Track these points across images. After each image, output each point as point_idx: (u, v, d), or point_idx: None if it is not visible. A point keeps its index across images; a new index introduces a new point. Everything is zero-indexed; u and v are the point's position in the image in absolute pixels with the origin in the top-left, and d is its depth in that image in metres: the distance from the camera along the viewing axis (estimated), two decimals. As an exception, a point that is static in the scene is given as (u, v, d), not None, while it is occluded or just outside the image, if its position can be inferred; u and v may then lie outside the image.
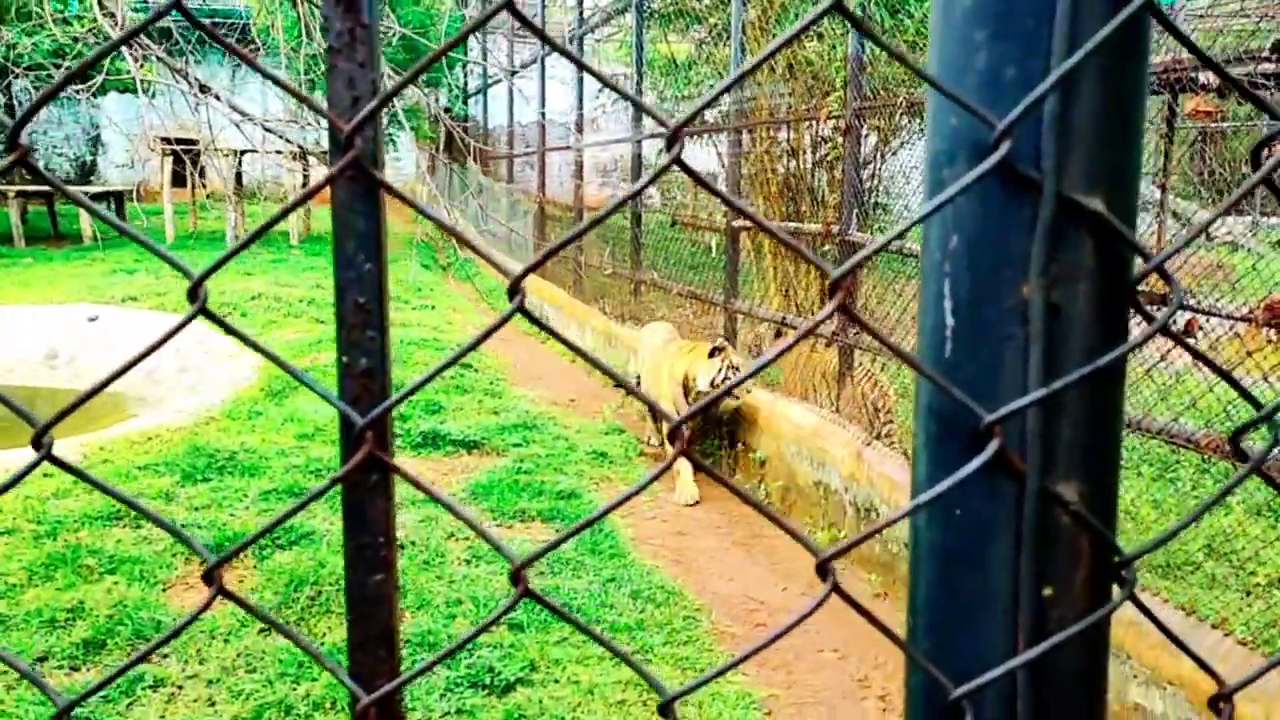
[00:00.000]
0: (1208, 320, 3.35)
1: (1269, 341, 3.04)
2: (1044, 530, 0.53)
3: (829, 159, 7.13)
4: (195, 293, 0.51)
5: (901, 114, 6.96)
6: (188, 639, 4.05)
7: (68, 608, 4.15)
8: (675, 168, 0.55)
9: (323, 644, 4.21)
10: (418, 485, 0.53)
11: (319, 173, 18.48)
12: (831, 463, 5.52)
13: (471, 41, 17.04)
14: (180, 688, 3.76)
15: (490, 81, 16.09)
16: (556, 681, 4.01)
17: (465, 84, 17.91)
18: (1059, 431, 0.53)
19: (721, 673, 0.59)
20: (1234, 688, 0.62)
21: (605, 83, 0.62)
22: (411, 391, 0.53)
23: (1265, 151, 0.79)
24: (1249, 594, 4.54)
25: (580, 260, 9.76)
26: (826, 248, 6.04)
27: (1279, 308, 3.04)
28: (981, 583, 0.55)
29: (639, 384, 6.93)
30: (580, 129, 9.80)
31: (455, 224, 17.14)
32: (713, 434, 6.87)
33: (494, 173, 15.94)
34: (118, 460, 5.87)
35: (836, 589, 0.56)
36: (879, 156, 8.98)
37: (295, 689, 3.72)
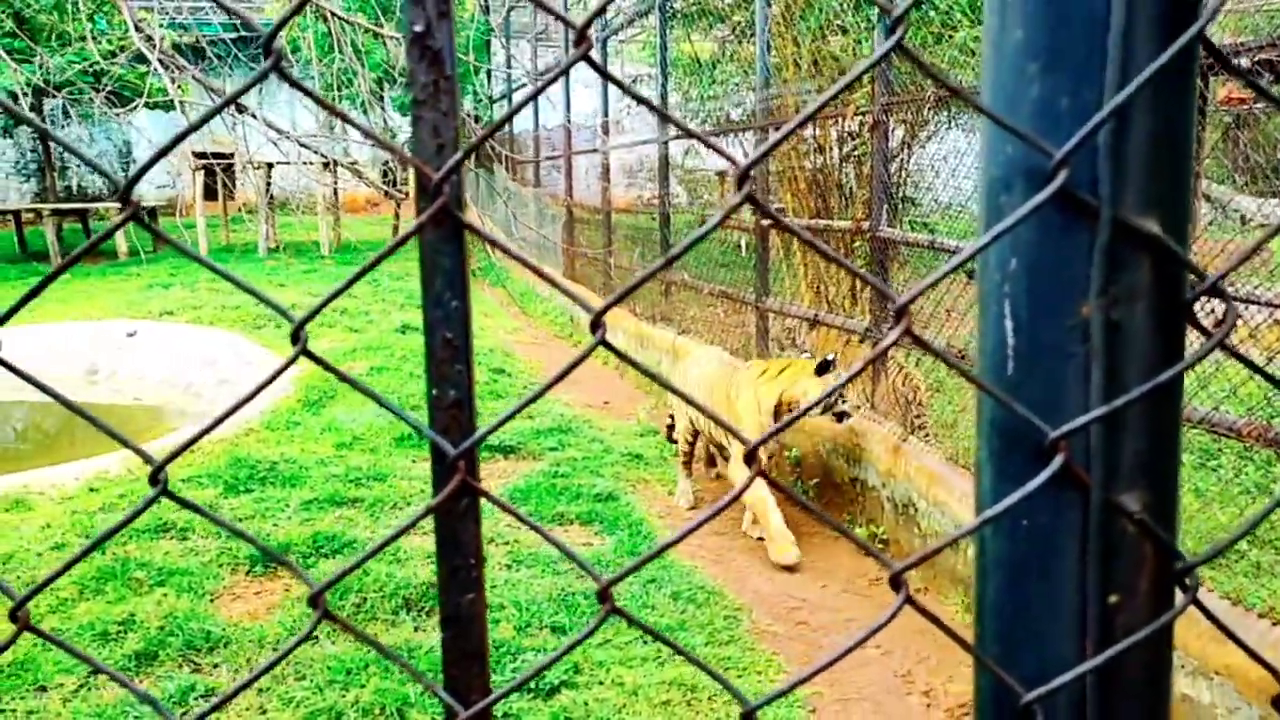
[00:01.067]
0: (1246, 308, 3.33)
1: (1310, 328, 3.02)
2: (1109, 540, 0.55)
3: (857, 155, 7.12)
4: (297, 335, 0.55)
5: (929, 108, 6.93)
6: (237, 648, 4.12)
7: (119, 620, 4.23)
8: (738, 197, 0.58)
9: (370, 650, 4.27)
10: (508, 510, 0.56)
11: (347, 183, 18.64)
12: (868, 459, 5.52)
13: (495, 46, 17.12)
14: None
15: (515, 86, 16.18)
16: (601, 683, 4.05)
17: (490, 89, 18.04)
18: (1121, 444, 0.55)
19: (802, 681, 0.61)
20: (1296, 687, 0.64)
21: (642, 100, 0.64)
22: (500, 424, 0.56)
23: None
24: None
25: (610, 262, 9.80)
26: (857, 244, 6.04)
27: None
28: (1048, 592, 0.57)
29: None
30: (606, 131, 9.84)
31: (490, 231, 17.25)
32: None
33: (521, 177, 16.04)
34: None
35: (910, 600, 0.58)
36: (906, 150, 8.93)
37: (344, 695, 3.78)
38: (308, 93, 0.54)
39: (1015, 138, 0.54)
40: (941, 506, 4.87)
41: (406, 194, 16.59)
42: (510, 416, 0.56)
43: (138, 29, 4.30)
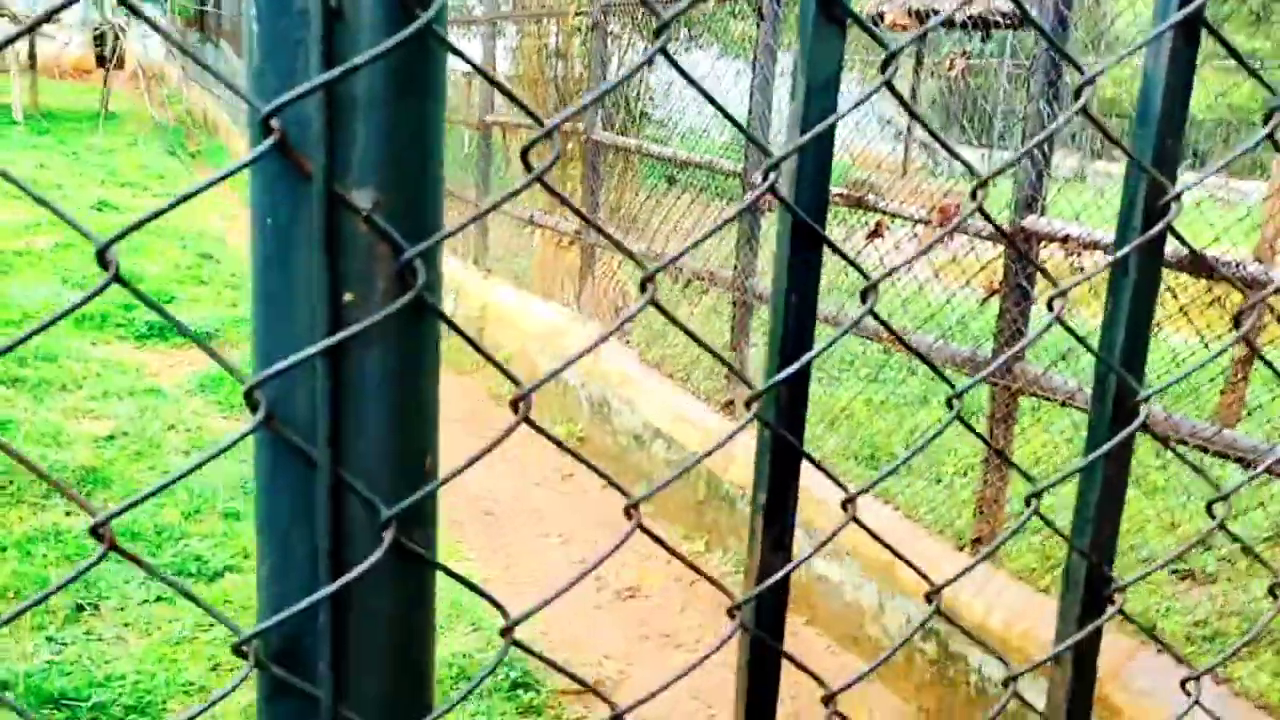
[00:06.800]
0: (894, 221, 3.60)
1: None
2: (338, 237, 0.56)
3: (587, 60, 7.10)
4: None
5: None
6: None
7: None
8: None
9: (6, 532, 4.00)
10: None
11: (52, 43, 16.73)
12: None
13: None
14: None
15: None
16: (265, 566, 3.96)
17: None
18: (352, 136, 0.55)
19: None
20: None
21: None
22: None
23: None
24: (939, 482, 5.00)
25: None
26: (570, 145, 6.06)
27: (949, 210, 3.31)
28: (287, 284, 0.57)
29: None
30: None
31: (205, 107, 15.95)
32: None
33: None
34: None
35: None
36: (649, 65, 8.92)
37: None
38: None
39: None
40: (631, 404, 5.05)
41: (120, 62, 15.07)
42: None
43: None
